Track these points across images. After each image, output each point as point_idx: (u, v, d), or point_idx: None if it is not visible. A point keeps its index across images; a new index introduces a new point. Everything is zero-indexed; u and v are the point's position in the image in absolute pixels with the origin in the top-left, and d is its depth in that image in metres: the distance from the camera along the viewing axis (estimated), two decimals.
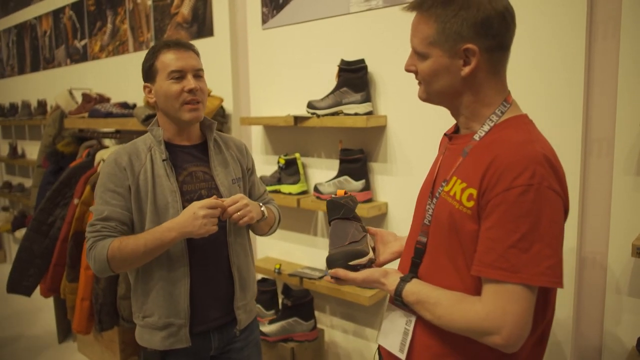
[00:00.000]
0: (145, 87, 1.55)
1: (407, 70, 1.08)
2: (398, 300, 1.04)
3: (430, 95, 1.06)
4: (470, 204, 0.96)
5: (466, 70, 0.98)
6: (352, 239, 1.16)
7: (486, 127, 1.01)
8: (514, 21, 1.00)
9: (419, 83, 1.08)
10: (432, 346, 1.04)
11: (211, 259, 1.53)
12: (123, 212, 1.45)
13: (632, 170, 1.51)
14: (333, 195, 1.25)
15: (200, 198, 1.50)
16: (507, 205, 0.90)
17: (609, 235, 1.57)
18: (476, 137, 1.02)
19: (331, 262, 1.12)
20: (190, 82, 1.48)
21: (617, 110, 1.52)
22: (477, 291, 0.97)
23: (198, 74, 1.52)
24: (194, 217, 1.37)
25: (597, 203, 1.61)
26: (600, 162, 1.59)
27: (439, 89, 1.03)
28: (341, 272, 1.09)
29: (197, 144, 1.58)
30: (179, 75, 1.48)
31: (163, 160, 1.49)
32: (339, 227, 1.19)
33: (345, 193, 1.24)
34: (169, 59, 1.48)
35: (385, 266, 1.17)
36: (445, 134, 1.16)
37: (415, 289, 1.02)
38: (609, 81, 1.55)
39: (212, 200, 1.41)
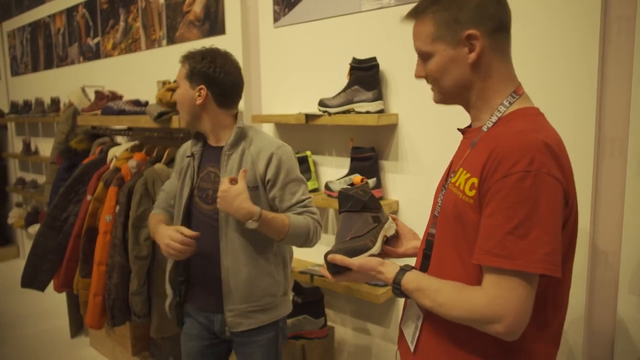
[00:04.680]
0: (201, 89, 1.62)
1: (417, 76, 1.10)
2: (396, 289, 1.05)
3: (444, 94, 1.07)
4: (472, 192, 0.96)
5: (472, 56, 0.99)
6: (355, 233, 1.13)
7: (494, 118, 1.01)
8: (507, 4, 1.02)
9: (432, 88, 1.08)
10: (437, 345, 1.06)
11: (202, 255, 1.61)
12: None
13: None
14: (348, 185, 1.20)
15: (207, 197, 1.59)
16: (505, 191, 0.89)
17: (622, 235, 1.57)
18: (484, 128, 1.02)
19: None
20: None
21: (631, 109, 1.51)
22: (479, 282, 0.96)
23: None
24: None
25: (609, 203, 1.60)
26: (613, 162, 1.58)
27: (451, 83, 1.03)
28: (338, 256, 1.08)
29: (222, 146, 1.61)
30: None
31: (187, 157, 1.65)
32: (346, 220, 1.16)
33: (362, 180, 1.20)
34: None
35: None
36: (458, 129, 1.16)
37: (416, 277, 1.03)
38: (623, 80, 1.53)
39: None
